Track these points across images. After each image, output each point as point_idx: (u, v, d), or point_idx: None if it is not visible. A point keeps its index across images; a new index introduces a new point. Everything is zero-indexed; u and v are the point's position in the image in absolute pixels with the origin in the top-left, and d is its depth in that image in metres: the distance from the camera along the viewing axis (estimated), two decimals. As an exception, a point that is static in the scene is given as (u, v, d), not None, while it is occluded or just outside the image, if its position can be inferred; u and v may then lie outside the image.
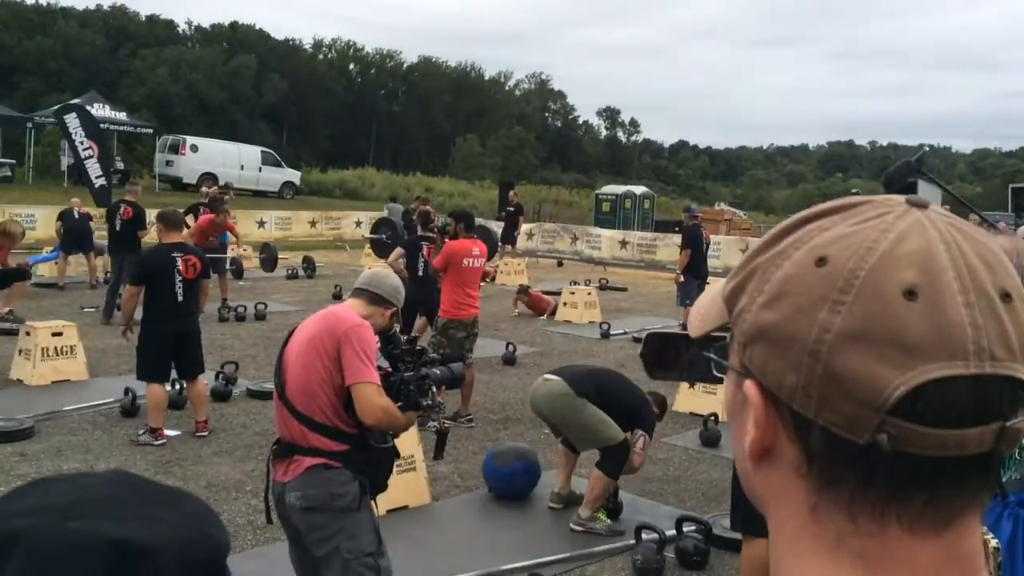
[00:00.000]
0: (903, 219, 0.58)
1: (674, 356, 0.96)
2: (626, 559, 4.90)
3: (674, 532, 4.98)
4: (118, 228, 12.00)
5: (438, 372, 3.44)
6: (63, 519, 0.67)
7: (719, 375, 0.95)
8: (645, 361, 0.98)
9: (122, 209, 12.10)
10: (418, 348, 3.50)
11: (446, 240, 7.96)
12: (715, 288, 0.72)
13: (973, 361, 0.54)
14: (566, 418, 5.37)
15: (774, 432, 0.60)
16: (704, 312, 0.71)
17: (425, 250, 9.03)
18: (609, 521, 5.35)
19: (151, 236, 10.04)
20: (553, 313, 13.85)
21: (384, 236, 14.20)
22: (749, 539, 4.07)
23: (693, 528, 5.03)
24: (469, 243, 7.63)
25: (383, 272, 3.72)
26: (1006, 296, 0.56)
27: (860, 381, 0.54)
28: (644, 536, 4.92)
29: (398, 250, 9.32)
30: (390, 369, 3.39)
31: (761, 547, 4.06)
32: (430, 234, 9.37)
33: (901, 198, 0.61)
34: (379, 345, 3.40)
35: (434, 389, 3.39)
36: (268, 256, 13.37)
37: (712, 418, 7.47)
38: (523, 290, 14.61)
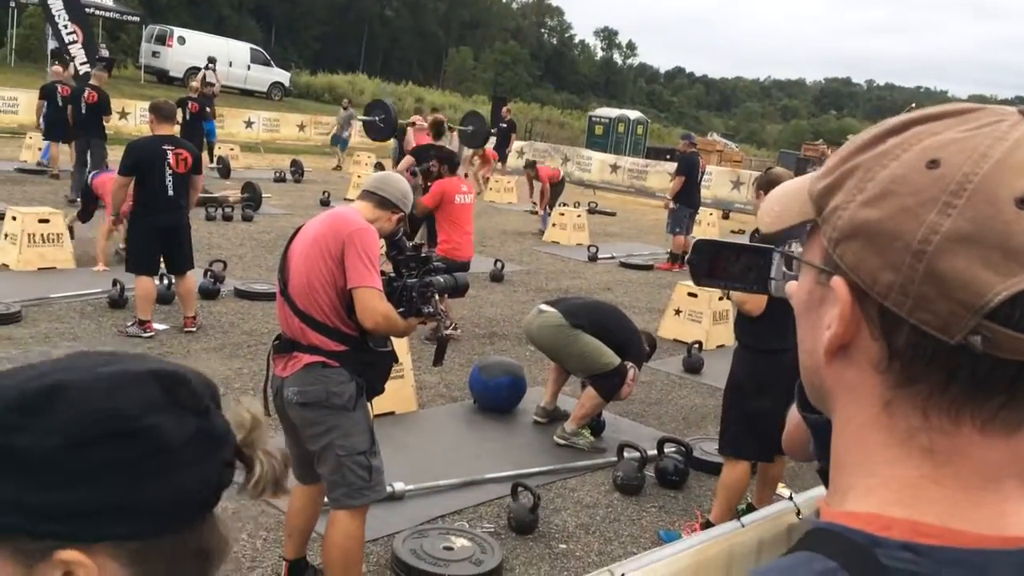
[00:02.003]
0: (1017, 128, 0.58)
1: (724, 264, 0.96)
2: (607, 475, 5.02)
3: (655, 452, 5.09)
4: (83, 111, 12.10)
5: (442, 280, 3.43)
6: (96, 368, 0.72)
7: (778, 279, 0.95)
8: (693, 268, 0.97)
9: (87, 93, 12.16)
10: (423, 255, 3.48)
11: (429, 185, 7.70)
12: (795, 185, 0.72)
13: None
14: (560, 349, 5.44)
15: (856, 329, 0.61)
16: (782, 208, 0.71)
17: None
18: (592, 438, 5.46)
19: (132, 127, 9.83)
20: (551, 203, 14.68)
21: (377, 119, 13.84)
22: (732, 461, 4.18)
23: (674, 449, 5.14)
24: (457, 180, 7.60)
25: (392, 175, 3.66)
26: None
27: (962, 283, 0.55)
28: (626, 454, 5.02)
29: (408, 158, 9.17)
30: (394, 274, 3.38)
31: (741, 470, 4.18)
32: (441, 145, 9.27)
33: (1013, 108, 0.60)
34: (384, 250, 3.38)
35: (437, 297, 3.38)
36: (253, 196, 13.00)
37: (696, 346, 7.57)
38: (531, 164, 15.63)
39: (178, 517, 0.72)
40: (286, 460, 0.83)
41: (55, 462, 0.67)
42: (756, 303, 3.81)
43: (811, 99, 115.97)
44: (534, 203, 15.74)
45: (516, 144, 23.83)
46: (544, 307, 5.59)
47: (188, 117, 14.81)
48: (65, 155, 13.50)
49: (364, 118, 15.47)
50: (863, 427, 0.63)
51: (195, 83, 16.10)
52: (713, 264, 0.95)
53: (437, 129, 9.65)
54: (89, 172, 12.02)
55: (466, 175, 17.00)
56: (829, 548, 0.59)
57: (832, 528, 0.61)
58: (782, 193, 0.72)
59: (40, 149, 14.92)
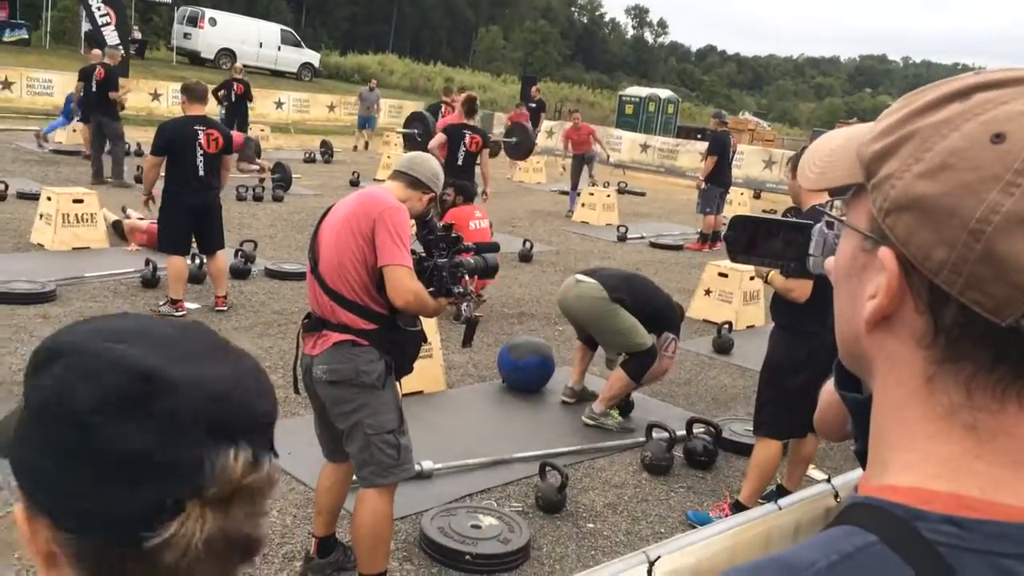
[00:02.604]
0: None
1: (762, 240, 0.93)
2: (635, 455, 5.00)
3: (684, 432, 5.06)
4: (94, 89, 12.40)
5: (472, 261, 3.41)
6: (109, 342, 0.70)
7: (802, 265, 0.92)
8: (730, 244, 0.95)
9: (96, 70, 12.28)
10: (454, 235, 3.46)
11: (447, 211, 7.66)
12: (840, 139, 0.69)
13: None
14: (598, 321, 5.36)
15: (901, 301, 0.60)
16: (825, 165, 0.69)
17: (468, 139, 8.94)
18: (621, 418, 5.44)
19: (164, 108, 9.93)
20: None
21: (416, 133, 13.94)
22: (765, 441, 4.14)
23: (703, 430, 5.11)
24: (471, 208, 7.65)
25: (424, 156, 3.64)
26: None
27: (1020, 266, 0.54)
28: (655, 434, 5.00)
29: (440, 136, 9.16)
30: (424, 254, 3.37)
31: (774, 449, 4.14)
32: (474, 124, 9.27)
33: None
34: (415, 230, 3.37)
35: (467, 277, 3.37)
36: (283, 176, 13.10)
37: (726, 326, 7.51)
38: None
39: (105, 525, 0.66)
40: (246, 544, 0.71)
41: (24, 423, 0.70)
42: (803, 290, 3.75)
43: (845, 77, 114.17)
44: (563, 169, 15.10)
45: (546, 124, 23.72)
46: (582, 277, 5.49)
47: (234, 98, 15.17)
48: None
49: (404, 131, 15.59)
50: (903, 400, 0.61)
51: (239, 65, 16.46)
52: (751, 240, 0.93)
53: (470, 106, 9.58)
54: (108, 152, 12.21)
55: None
56: (868, 522, 0.58)
57: (871, 502, 0.59)
58: (827, 149, 0.70)
59: (75, 130, 15.10)
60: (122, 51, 16.31)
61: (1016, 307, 0.54)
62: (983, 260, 0.55)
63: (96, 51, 14.02)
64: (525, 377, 5.89)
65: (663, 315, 5.45)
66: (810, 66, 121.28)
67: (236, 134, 8.54)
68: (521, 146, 11.74)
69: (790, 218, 0.95)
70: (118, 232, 8.83)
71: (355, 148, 20.59)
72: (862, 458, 0.68)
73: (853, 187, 0.65)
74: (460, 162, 8.93)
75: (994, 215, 0.54)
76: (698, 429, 5.11)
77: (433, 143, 8.99)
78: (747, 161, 21.86)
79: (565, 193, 15.18)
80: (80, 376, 0.68)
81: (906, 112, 0.61)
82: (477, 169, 9.21)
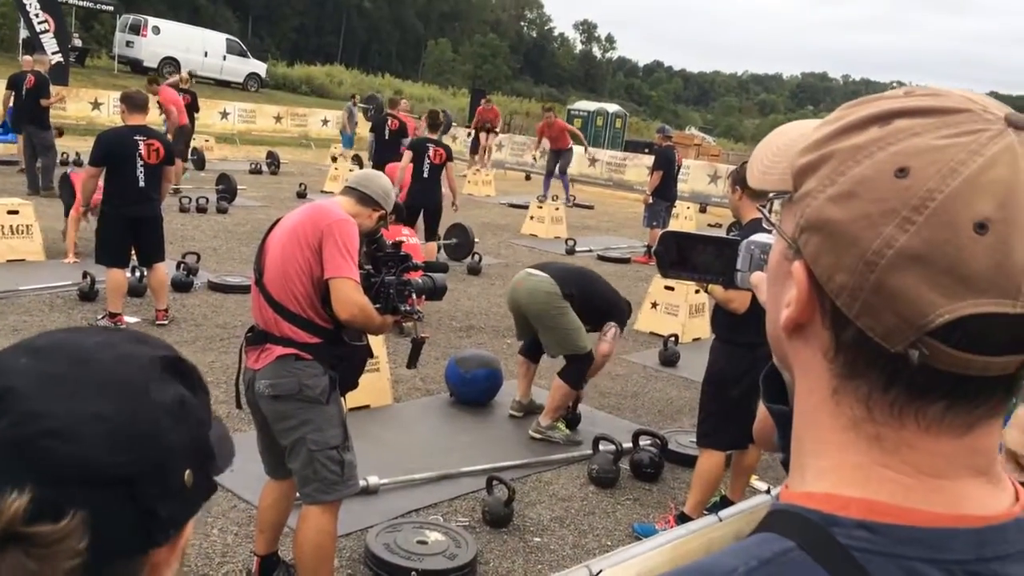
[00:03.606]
0: (996, 141, 0.56)
1: (691, 255, 0.95)
2: (582, 468, 5.01)
3: (630, 445, 5.09)
4: (24, 97, 11.99)
5: (420, 280, 3.40)
6: (15, 352, 0.68)
7: (730, 279, 0.94)
8: (659, 259, 0.96)
9: (27, 78, 11.93)
10: (402, 254, 3.44)
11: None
12: (786, 140, 0.70)
13: (1022, 301, 0.54)
14: (544, 317, 5.31)
15: (812, 313, 0.62)
16: (767, 167, 0.71)
17: (431, 152, 9.03)
18: (567, 431, 5.45)
19: (105, 117, 9.73)
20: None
21: (369, 108, 14.32)
22: (709, 452, 4.19)
23: (649, 442, 5.14)
24: (396, 228, 7.75)
25: (375, 173, 3.62)
26: None
27: (907, 300, 0.55)
28: (601, 447, 5.02)
29: (407, 154, 9.25)
30: (373, 271, 3.34)
31: (717, 460, 4.19)
32: (436, 137, 9.41)
33: (1000, 112, 0.59)
34: (363, 248, 3.34)
35: (414, 296, 3.35)
36: (227, 188, 12.89)
37: (672, 339, 7.58)
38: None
39: None
40: None
41: None
42: (742, 301, 3.80)
43: (788, 93, 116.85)
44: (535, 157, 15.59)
45: (496, 138, 23.78)
46: (533, 271, 5.44)
47: None
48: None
49: (363, 105, 16.11)
50: (815, 408, 0.64)
51: (185, 74, 16.22)
52: (680, 255, 0.94)
53: (432, 121, 9.80)
54: (39, 162, 11.86)
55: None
56: (786, 528, 0.60)
57: (789, 509, 0.61)
58: (776, 147, 0.72)
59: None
60: (58, 58, 15.90)
61: (903, 336, 0.56)
62: (875, 290, 0.56)
63: (28, 58, 13.67)
64: (473, 390, 5.87)
65: (613, 308, 5.49)
66: (754, 83, 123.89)
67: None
68: (460, 247, 10.47)
69: (734, 233, 0.96)
70: None
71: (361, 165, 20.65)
72: (788, 467, 0.69)
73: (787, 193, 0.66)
74: (426, 175, 9.01)
75: (888, 249, 0.56)
76: (644, 441, 5.14)
77: (403, 163, 9.09)
78: (693, 176, 22.16)
79: (516, 206, 15.28)
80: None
81: (833, 129, 0.62)
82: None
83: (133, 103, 6.67)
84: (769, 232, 0.71)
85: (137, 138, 6.48)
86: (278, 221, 3.32)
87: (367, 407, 5.50)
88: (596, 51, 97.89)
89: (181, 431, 0.70)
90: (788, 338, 0.65)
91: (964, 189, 0.54)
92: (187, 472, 0.70)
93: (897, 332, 0.56)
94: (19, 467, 0.62)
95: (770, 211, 0.69)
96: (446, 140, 13.63)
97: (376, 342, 5.36)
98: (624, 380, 6.89)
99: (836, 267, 0.58)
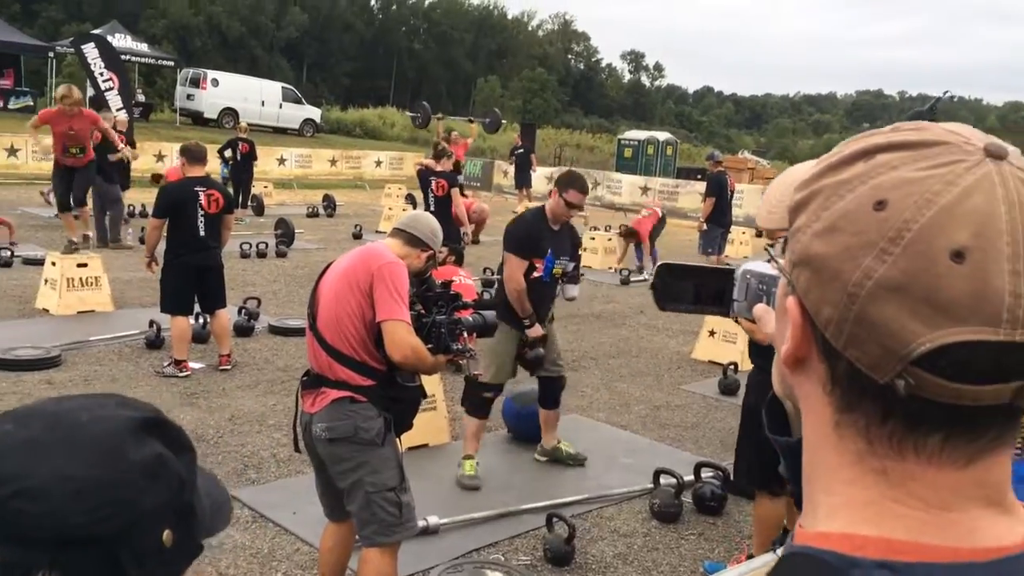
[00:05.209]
0: (973, 172, 0.57)
1: (688, 287, 0.94)
2: (644, 502, 4.94)
3: (692, 477, 5.00)
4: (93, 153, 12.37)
5: (471, 319, 3.42)
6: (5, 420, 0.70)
7: (725, 308, 0.94)
8: (656, 292, 0.95)
9: (93, 135, 12.32)
10: (452, 293, 3.48)
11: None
12: (788, 182, 0.73)
13: (1004, 328, 0.54)
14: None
15: (808, 347, 0.63)
16: (772, 207, 0.76)
17: (434, 184, 9.17)
18: (569, 448, 5.51)
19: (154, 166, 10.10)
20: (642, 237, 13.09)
21: (416, 116, 15.82)
22: (762, 497, 4.05)
23: (711, 474, 5.05)
24: (453, 269, 7.85)
25: (423, 214, 3.69)
26: None
27: (889, 331, 0.56)
28: (662, 481, 4.95)
29: (455, 191, 9.59)
30: (424, 311, 3.37)
31: (770, 500, 4.02)
32: (441, 168, 9.54)
33: (981, 143, 0.59)
34: (414, 289, 3.38)
35: (466, 335, 3.37)
36: (286, 232, 13.27)
37: (731, 367, 7.47)
38: (630, 233, 13.33)
39: None
40: None
41: None
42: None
43: (843, 112, 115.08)
44: (621, 270, 12.93)
45: (545, 169, 23.92)
46: None
47: (239, 157, 15.43)
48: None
49: (411, 114, 17.22)
50: (821, 443, 0.64)
51: (244, 124, 16.80)
52: (676, 287, 0.93)
53: (436, 152, 10.02)
54: (107, 215, 12.29)
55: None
56: (804, 572, 0.59)
57: (806, 551, 0.61)
58: (780, 192, 0.74)
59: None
60: (121, 114, 16.51)
61: (889, 367, 0.57)
62: (858, 322, 0.57)
63: (102, 114, 14.22)
64: (530, 426, 5.83)
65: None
66: (807, 103, 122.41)
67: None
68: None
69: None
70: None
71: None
72: (798, 500, 0.69)
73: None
74: (432, 207, 9.06)
75: (867, 280, 0.56)
76: (707, 473, 5.05)
77: (455, 199, 9.37)
78: (747, 200, 21.92)
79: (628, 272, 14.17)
80: None
81: (823, 166, 0.63)
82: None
83: (192, 155, 6.90)
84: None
85: (197, 189, 6.69)
86: (329, 265, 3.39)
87: (425, 446, 5.52)
88: (645, 80, 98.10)
89: (158, 491, 0.69)
90: (791, 372, 0.66)
91: (940, 219, 0.55)
92: (166, 532, 0.69)
93: (883, 363, 0.57)
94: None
95: (771, 252, 0.70)
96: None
97: (432, 381, 5.39)
98: (684, 411, 6.80)
99: (823, 300, 0.59)
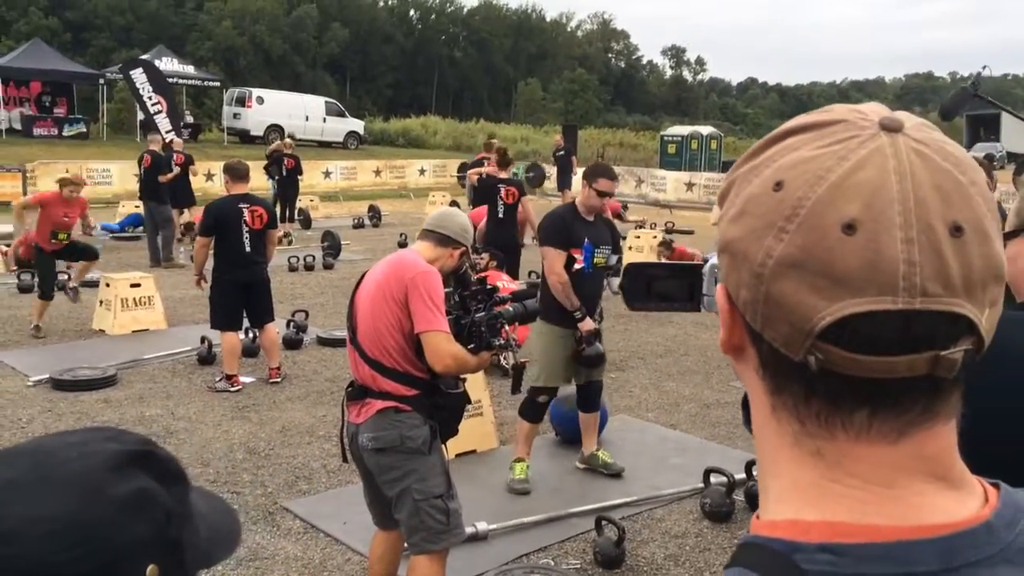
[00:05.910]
0: (865, 145, 0.57)
1: (656, 286, 0.92)
2: (694, 502, 4.88)
3: (743, 476, 4.93)
4: (143, 176, 12.95)
5: (511, 309, 3.41)
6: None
7: (696, 304, 0.92)
8: (625, 292, 0.94)
9: (143, 158, 12.91)
10: (489, 287, 3.47)
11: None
12: None
13: (902, 297, 0.55)
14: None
15: (740, 333, 0.63)
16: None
17: (503, 192, 9.04)
18: (607, 457, 5.37)
19: (218, 187, 10.22)
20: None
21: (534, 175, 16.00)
22: None
23: (763, 472, 4.96)
24: (497, 274, 7.74)
25: (450, 211, 3.66)
26: (957, 230, 0.55)
27: (792, 307, 0.57)
28: (713, 480, 4.88)
29: (480, 209, 9.46)
30: (462, 311, 3.38)
31: None
32: (507, 176, 9.42)
33: (877, 117, 0.59)
34: (449, 289, 3.38)
35: (506, 327, 3.36)
36: (332, 244, 13.47)
37: (782, 361, 7.34)
38: (667, 244, 13.04)
39: None
40: None
41: None
42: None
43: (893, 97, 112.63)
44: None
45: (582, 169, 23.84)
46: None
47: (285, 173, 15.73)
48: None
49: (529, 174, 19.60)
50: (763, 427, 0.64)
51: (289, 139, 17.11)
52: (645, 286, 0.92)
53: (502, 159, 9.81)
54: (159, 236, 12.60)
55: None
56: (753, 560, 0.60)
57: (756, 540, 0.62)
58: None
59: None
60: (169, 137, 16.89)
61: (799, 343, 0.57)
62: (767, 302, 0.58)
63: (155, 136, 14.66)
64: (578, 428, 5.80)
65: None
66: (855, 89, 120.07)
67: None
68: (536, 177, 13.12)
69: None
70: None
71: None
72: None
73: None
74: (501, 215, 9.04)
75: (768, 259, 0.58)
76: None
77: (472, 214, 9.21)
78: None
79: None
80: None
81: (745, 154, 0.65)
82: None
83: (236, 173, 7.03)
84: None
85: (241, 206, 6.81)
86: (363, 276, 3.40)
87: (473, 452, 5.53)
88: (687, 74, 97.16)
89: (141, 526, 0.68)
90: (735, 361, 0.66)
91: (830, 194, 0.56)
92: (150, 567, 0.68)
93: (793, 340, 0.57)
94: None
95: None
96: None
97: (477, 387, 5.40)
98: (734, 408, 6.69)
99: (740, 283, 0.60)
